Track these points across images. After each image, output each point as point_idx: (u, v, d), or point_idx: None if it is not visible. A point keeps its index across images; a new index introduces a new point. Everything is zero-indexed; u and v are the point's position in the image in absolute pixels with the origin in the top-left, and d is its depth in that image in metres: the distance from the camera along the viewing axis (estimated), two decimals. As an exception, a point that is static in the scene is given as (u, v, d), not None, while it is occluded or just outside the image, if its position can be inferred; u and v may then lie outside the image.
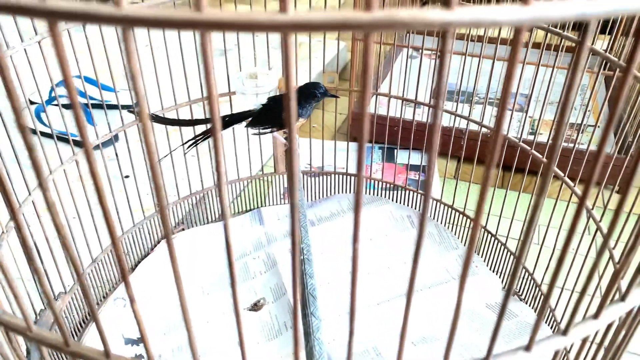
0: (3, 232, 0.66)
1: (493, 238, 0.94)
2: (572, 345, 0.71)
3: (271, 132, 0.75)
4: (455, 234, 1.01)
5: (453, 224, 1.02)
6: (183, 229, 1.03)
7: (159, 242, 1.00)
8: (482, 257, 0.96)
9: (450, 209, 1.01)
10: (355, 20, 0.16)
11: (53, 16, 0.16)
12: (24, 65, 0.69)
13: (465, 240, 1.00)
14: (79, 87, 1.51)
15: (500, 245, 0.92)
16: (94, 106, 1.29)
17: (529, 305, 0.88)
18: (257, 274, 0.96)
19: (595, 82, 1.37)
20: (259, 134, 0.75)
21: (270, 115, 0.73)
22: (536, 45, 1.54)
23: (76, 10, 0.16)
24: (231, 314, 0.88)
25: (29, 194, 0.72)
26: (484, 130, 0.94)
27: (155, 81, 0.89)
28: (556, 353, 0.36)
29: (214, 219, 1.08)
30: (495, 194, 0.89)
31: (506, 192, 0.91)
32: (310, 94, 0.70)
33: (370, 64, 0.18)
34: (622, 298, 0.32)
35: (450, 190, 1.07)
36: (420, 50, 1.04)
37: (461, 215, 0.99)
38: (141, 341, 0.86)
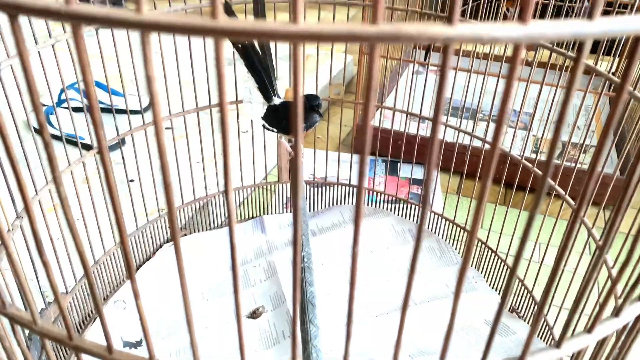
0: (9, 230, 0.67)
1: (493, 254, 0.94)
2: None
3: (277, 133, 0.76)
4: (456, 249, 1.01)
5: (454, 240, 1.02)
6: (185, 234, 1.03)
7: (160, 247, 1.01)
8: (482, 273, 0.97)
9: (451, 224, 1.01)
10: (363, 32, 0.17)
11: (77, 19, 0.17)
12: (36, 68, 0.71)
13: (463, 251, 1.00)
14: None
15: (500, 262, 0.93)
16: (102, 110, 1.31)
17: (528, 323, 0.88)
18: (257, 281, 0.97)
19: (597, 102, 1.38)
20: (265, 128, 0.76)
21: (275, 117, 0.74)
22: (541, 65, 1.55)
23: (100, 15, 0.17)
24: (230, 321, 0.88)
25: (36, 193, 0.73)
26: (487, 146, 0.95)
27: (164, 87, 0.91)
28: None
29: (216, 225, 1.09)
30: (496, 211, 0.89)
31: (507, 209, 0.92)
32: (311, 107, 0.71)
33: (374, 75, 0.19)
34: (616, 313, 0.32)
35: (452, 205, 1.07)
36: (426, 67, 1.06)
37: (462, 231, 1.00)
38: (140, 344, 0.86)
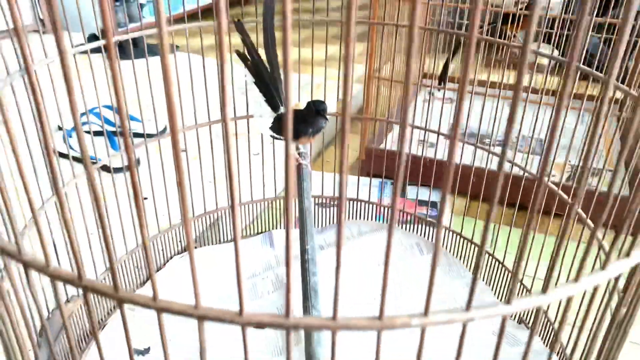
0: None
1: (500, 265, 0.94)
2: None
3: (283, 140, 0.79)
4: (463, 263, 1.01)
5: (461, 255, 1.02)
6: (196, 247, 1.05)
7: (171, 258, 1.03)
8: (489, 285, 0.96)
9: (459, 238, 1.02)
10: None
11: None
12: (50, 91, 0.75)
13: (471, 267, 1.00)
14: (108, 116, 1.58)
15: (507, 272, 0.93)
16: (120, 134, 1.36)
17: (538, 335, 0.87)
18: (264, 293, 0.97)
19: (603, 127, 1.40)
20: (272, 137, 0.78)
21: (282, 125, 0.77)
22: (553, 93, 1.58)
23: None
24: (237, 330, 0.89)
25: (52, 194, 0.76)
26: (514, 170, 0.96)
27: (178, 102, 0.95)
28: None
29: (227, 239, 1.11)
30: (501, 229, 0.90)
31: (510, 228, 0.92)
32: (317, 112, 0.73)
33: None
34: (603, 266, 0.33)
35: (459, 223, 1.08)
36: (432, 95, 1.09)
37: (469, 243, 1.00)
38: (147, 352, 0.87)
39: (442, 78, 1.90)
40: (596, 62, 1.80)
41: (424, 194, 1.34)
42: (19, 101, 0.69)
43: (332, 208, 1.16)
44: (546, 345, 0.83)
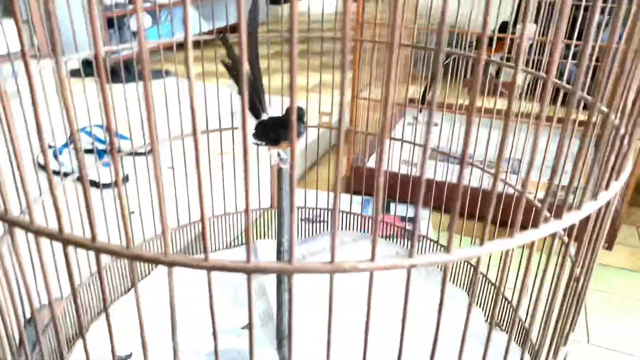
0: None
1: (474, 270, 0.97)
2: None
3: (266, 146, 0.82)
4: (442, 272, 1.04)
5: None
6: (180, 257, 1.07)
7: (156, 267, 1.05)
8: (464, 290, 0.99)
9: (437, 246, 1.05)
10: None
11: None
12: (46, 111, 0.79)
13: (450, 278, 1.03)
14: (99, 134, 1.62)
15: (483, 277, 0.95)
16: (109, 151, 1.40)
17: (505, 332, 0.90)
18: (244, 301, 0.99)
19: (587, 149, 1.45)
20: (255, 144, 0.82)
21: (264, 131, 0.80)
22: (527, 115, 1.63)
23: None
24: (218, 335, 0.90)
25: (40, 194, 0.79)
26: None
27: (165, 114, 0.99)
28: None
29: (214, 249, 1.13)
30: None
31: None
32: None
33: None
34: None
35: (443, 239, 1.12)
36: (416, 120, 1.14)
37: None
38: (129, 357, 0.89)
39: (423, 101, 1.96)
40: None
41: (408, 211, 1.37)
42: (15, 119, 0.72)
43: (313, 223, 1.19)
44: (518, 344, 0.85)
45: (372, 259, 0.31)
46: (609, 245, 1.34)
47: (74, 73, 2.14)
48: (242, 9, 0.26)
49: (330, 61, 1.16)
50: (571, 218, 0.37)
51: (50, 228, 0.33)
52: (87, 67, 2.42)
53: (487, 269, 0.96)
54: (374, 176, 1.25)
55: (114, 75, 2.11)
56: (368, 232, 1.16)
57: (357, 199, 1.39)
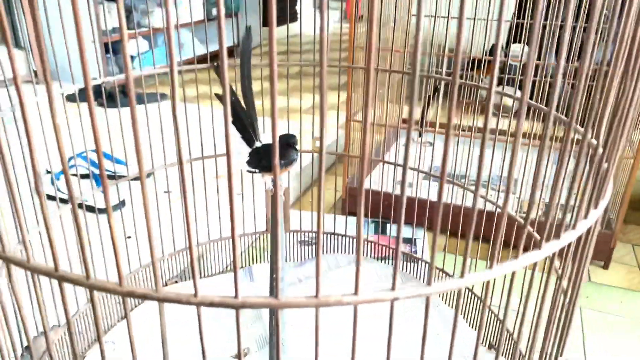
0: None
1: (471, 294, 0.97)
2: None
3: (260, 173, 0.83)
4: (439, 296, 1.04)
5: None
6: (177, 282, 1.08)
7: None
8: (461, 313, 0.99)
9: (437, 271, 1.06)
10: None
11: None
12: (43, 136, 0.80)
13: (446, 300, 1.03)
14: (94, 159, 1.64)
15: (477, 300, 0.96)
16: (107, 177, 1.41)
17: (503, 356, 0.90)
18: (243, 324, 0.99)
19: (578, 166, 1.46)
20: (249, 171, 0.83)
21: (257, 158, 0.82)
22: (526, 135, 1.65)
23: None
24: (218, 358, 0.90)
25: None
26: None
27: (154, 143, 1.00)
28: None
29: (208, 274, 1.13)
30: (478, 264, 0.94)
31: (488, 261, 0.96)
32: (287, 144, 0.79)
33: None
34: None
35: (440, 259, 1.12)
36: (413, 140, 1.15)
37: (441, 273, 1.04)
38: (125, 384, 0.88)
39: (420, 122, 1.98)
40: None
41: (407, 232, 1.38)
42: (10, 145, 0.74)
43: (309, 246, 1.20)
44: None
45: (356, 292, 0.32)
46: (605, 264, 1.35)
47: (70, 98, 2.16)
48: (223, 45, 0.27)
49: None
50: (568, 237, 0.38)
51: (46, 266, 0.34)
52: (82, 93, 2.45)
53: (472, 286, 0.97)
54: (368, 197, 1.26)
55: (111, 100, 2.14)
56: (365, 254, 1.17)
57: (353, 220, 1.40)
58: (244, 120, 0.84)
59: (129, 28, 2.59)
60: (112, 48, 2.78)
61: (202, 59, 3.13)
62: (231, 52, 2.37)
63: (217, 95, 0.88)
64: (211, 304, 0.32)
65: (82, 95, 2.27)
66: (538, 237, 0.89)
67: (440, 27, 1.34)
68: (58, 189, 1.43)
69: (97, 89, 1.94)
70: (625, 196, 1.30)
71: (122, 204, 1.38)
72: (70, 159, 1.56)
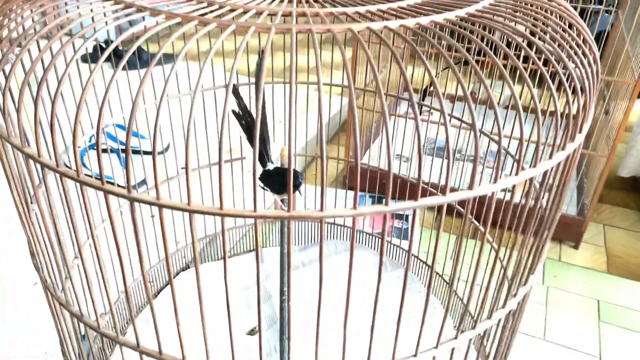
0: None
1: (446, 284, 1.14)
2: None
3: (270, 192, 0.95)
4: (420, 280, 1.21)
5: (420, 273, 1.22)
6: (188, 267, 1.24)
7: (177, 275, 1.22)
8: (440, 301, 1.17)
9: (414, 258, 1.22)
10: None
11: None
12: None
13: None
14: (120, 135, 1.75)
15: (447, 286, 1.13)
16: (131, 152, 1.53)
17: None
18: (254, 305, 1.17)
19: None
20: (262, 188, 0.94)
21: (268, 180, 0.93)
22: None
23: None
24: (235, 337, 1.08)
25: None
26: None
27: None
28: None
29: (220, 257, 1.30)
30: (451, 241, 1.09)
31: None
32: (294, 185, 0.90)
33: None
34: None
35: (425, 238, 1.27)
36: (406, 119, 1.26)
37: (423, 265, 1.20)
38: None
39: (423, 95, 2.06)
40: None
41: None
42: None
43: (313, 224, 1.35)
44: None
45: (322, 209, 0.47)
46: (576, 245, 1.50)
47: (84, 58, 2.22)
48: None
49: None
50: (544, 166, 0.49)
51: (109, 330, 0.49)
52: (93, 53, 2.48)
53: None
54: (368, 173, 1.39)
55: (120, 60, 2.19)
56: (358, 242, 1.32)
57: (352, 194, 1.54)
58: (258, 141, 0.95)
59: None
60: None
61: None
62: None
63: (233, 112, 0.98)
64: (233, 215, 0.44)
65: (93, 56, 2.32)
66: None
67: None
68: (84, 165, 1.56)
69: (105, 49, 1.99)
70: (599, 184, 1.41)
71: (143, 182, 1.51)
72: (90, 137, 1.67)
